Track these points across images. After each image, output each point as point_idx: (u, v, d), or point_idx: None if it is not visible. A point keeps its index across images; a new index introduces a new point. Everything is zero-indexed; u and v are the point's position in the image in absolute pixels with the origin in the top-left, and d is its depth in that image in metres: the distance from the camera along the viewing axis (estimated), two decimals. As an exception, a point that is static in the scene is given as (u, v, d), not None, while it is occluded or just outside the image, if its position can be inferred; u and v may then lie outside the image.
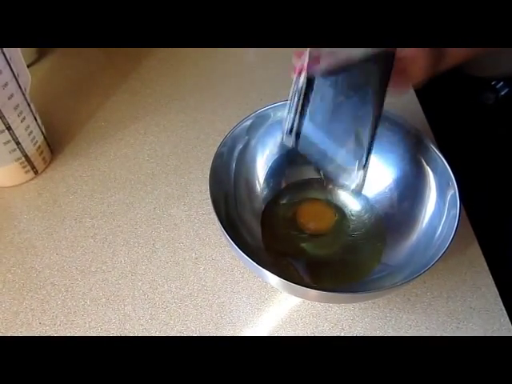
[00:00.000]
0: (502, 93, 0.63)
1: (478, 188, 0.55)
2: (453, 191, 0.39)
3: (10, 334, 0.40)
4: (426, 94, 0.61)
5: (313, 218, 0.46)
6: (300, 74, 0.35)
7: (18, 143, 0.46)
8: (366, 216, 0.46)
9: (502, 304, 0.42)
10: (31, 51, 0.60)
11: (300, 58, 0.35)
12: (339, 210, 0.46)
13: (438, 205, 0.41)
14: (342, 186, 0.41)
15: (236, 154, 0.43)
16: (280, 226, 0.45)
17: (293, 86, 0.36)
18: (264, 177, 0.46)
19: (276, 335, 0.41)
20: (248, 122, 0.43)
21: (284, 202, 0.47)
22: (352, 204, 0.46)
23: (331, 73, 0.35)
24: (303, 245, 0.44)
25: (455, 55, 0.37)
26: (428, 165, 0.42)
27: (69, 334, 0.40)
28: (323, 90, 0.35)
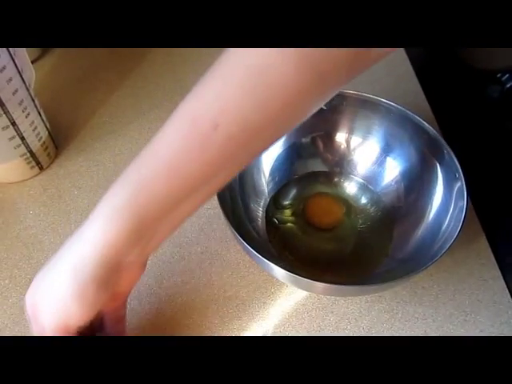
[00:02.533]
0: (508, 85, 0.62)
1: (485, 181, 0.55)
2: (460, 183, 0.38)
3: (16, 329, 0.40)
4: (431, 86, 0.61)
5: (322, 212, 0.46)
6: None
7: (22, 139, 0.46)
8: (372, 209, 0.45)
9: (509, 296, 0.42)
10: (34, 48, 0.60)
11: None
12: (346, 204, 0.46)
13: (445, 197, 0.40)
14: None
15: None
16: (285, 220, 0.45)
17: None
18: (269, 171, 0.46)
19: (282, 329, 0.41)
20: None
21: (290, 195, 0.47)
22: (358, 197, 0.46)
23: None
24: (309, 239, 0.44)
25: None
26: (434, 157, 0.41)
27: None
28: None
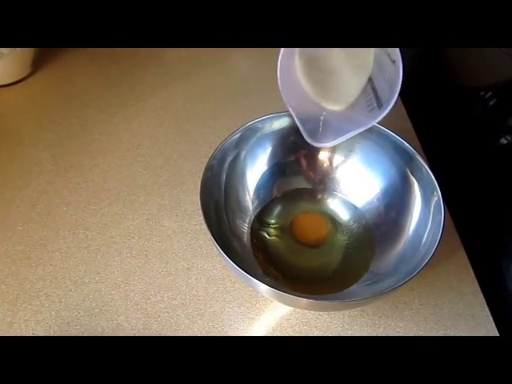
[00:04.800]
0: (491, 103, 0.64)
1: (466, 197, 0.56)
2: (437, 198, 0.40)
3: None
4: (413, 103, 0.63)
5: (309, 229, 0.47)
6: None
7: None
8: (355, 225, 0.46)
9: (488, 310, 0.43)
10: (25, 65, 0.61)
11: None
12: (331, 220, 0.47)
13: (423, 213, 0.42)
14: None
15: (226, 166, 0.44)
16: (270, 235, 0.46)
17: None
18: (254, 188, 0.47)
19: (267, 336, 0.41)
20: (237, 135, 0.44)
21: (274, 212, 0.47)
22: (341, 213, 0.47)
23: None
24: (294, 254, 0.45)
25: None
26: (413, 175, 0.43)
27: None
28: None
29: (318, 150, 0.47)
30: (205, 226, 0.38)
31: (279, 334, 0.42)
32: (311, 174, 0.48)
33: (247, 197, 0.47)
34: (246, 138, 0.44)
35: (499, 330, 0.42)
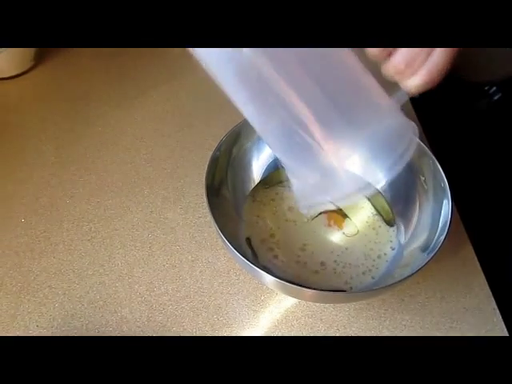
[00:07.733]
0: (495, 98, 0.64)
1: (471, 190, 0.56)
2: (445, 193, 0.39)
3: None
4: (419, 98, 0.62)
5: None
6: None
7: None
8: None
9: (494, 303, 0.43)
10: (28, 58, 0.61)
11: None
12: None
13: (431, 206, 0.41)
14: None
15: (231, 158, 0.44)
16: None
17: None
18: (259, 180, 0.47)
19: (272, 336, 0.41)
20: (242, 127, 0.43)
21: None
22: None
23: None
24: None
25: None
26: (421, 167, 0.42)
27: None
28: None
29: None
30: (209, 219, 0.38)
31: (284, 327, 0.42)
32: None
33: (253, 187, 0.46)
34: (250, 130, 0.44)
35: (506, 324, 0.42)
